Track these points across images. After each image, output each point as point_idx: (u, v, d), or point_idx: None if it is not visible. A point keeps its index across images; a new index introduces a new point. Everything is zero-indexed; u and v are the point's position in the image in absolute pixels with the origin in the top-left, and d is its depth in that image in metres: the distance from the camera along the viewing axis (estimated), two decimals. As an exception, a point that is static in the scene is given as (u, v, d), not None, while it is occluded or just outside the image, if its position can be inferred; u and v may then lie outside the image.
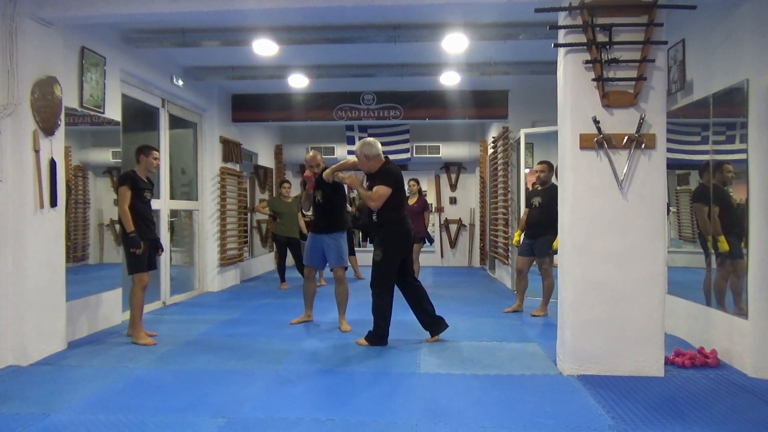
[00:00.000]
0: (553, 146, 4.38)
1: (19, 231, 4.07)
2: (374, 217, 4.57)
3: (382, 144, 4.56)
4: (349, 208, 9.19)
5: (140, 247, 4.59)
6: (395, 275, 4.59)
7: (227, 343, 4.72)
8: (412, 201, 7.71)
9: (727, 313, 4.09)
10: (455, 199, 11.29)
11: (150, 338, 4.70)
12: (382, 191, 4.44)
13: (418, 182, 7.94)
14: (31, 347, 4.11)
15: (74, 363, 4.11)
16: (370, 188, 4.57)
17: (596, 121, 3.74)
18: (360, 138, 10.10)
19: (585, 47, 3.75)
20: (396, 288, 4.67)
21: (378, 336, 4.57)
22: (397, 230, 4.52)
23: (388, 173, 4.54)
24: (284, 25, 5.39)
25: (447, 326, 4.73)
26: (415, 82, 7.68)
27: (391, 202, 4.50)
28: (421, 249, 8.02)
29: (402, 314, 6.03)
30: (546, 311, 5.81)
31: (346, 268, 5.30)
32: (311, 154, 5.34)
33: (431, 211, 10.64)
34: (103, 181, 5.70)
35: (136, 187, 4.67)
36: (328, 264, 5.37)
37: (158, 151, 4.96)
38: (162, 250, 5.15)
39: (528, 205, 6.04)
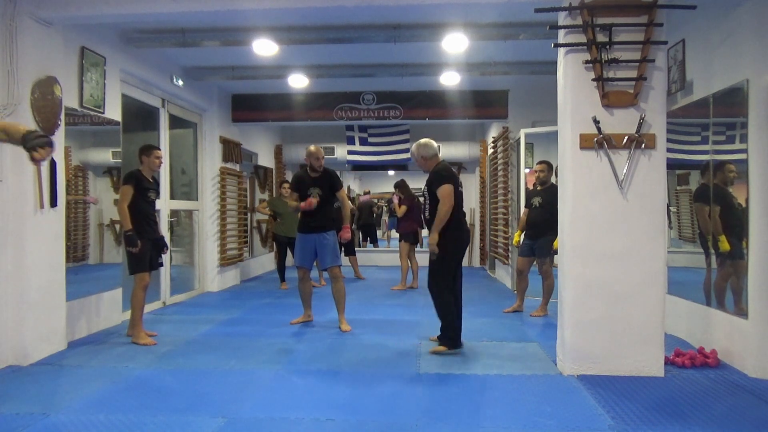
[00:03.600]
0: (553, 146, 4.38)
1: (19, 231, 4.07)
2: (426, 213, 4.43)
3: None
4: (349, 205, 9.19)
5: (137, 246, 4.58)
6: (450, 277, 4.39)
7: (227, 343, 4.72)
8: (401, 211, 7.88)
9: (727, 313, 4.09)
10: (455, 199, 11.27)
11: (150, 338, 4.70)
12: (445, 191, 4.25)
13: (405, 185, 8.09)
14: (31, 347, 4.11)
15: (74, 363, 4.11)
16: (429, 192, 4.37)
17: (596, 121, 3.74)
18: (360, 138, 10.13)
19: (585, 47, 3.75)
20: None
21: (448, 338, 4.34)
22: (454, 227, 4.35)
23: (439, 171, 4.38)
24: (284, 25, 5.38)
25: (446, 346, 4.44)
26: (415, 82, 7.68)
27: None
28: (416, 248, 8.08)
29: (402, 314, 6.04)
30: (546, 311, 5.81)
31: (340, 266, 5.28)
32: (314, 148, 5.22)
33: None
34: (103, 181, 5.70)
35: (140, 186, 4.68)
36: (319, 264, 5.30)
37: (160, 149, 4.96)
38: (167, 248, 5.16)
39: (528, 205, 6.04)
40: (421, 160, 4.52)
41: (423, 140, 4.57)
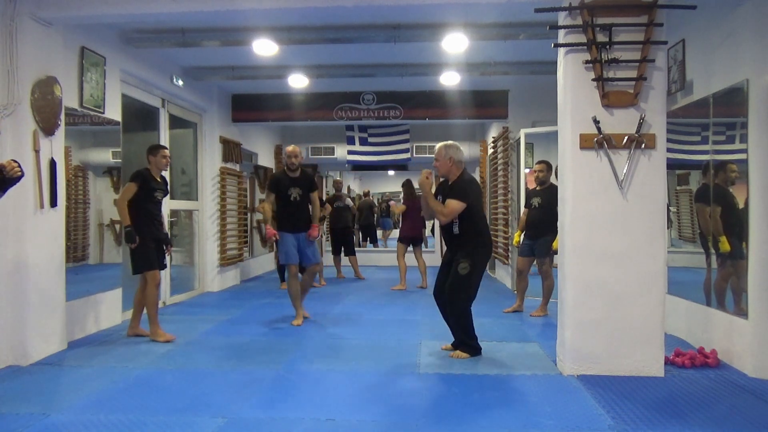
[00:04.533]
0: (553, 146, 4.38)
1: (19, 231, 4.07)
2: (455, 229, 4.21)
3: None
4: (350, 203, 9.22)
5: (135, 241, 4.58)
6: (477, 290, 4.35)
7: (227, 343, 4.72)
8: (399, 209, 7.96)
9: (727, 313, 4.09)
10: (455, 199, 11.27)
11: (170, 334, 4.75)
12: (456, 206, 4.11)
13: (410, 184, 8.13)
14: (31, 347, 4.11)
15: (74, 363, 4.11)
16: (440, 194, 4.28)
17: (596, 121, 3.74)
18: (360, 138, 10.13)
19: (585, 47, 3.75)
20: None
21: (473, 348, 4.30)
22: (485, 241, 4.32)
23: (466, 185, 4.22)
24: (284, 25, 5.38)
25: (469, 354, 4.32)
26: (415, 82, 7.67)
27: (477, 212, 4.24)
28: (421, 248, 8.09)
29: (402, 314, 6.04)
30: (546, 311, 5.81)
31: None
32: (291, 148, 5.48)
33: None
34: (103, 181, 5.70)
35: (147, 186, 4.67)
36: (303, 261, 5.49)
37: (167, 148, 4.95)
38: (171, 246, 5.19)
39: (527, 205, 6.04)
40: (448, 161, 4.23)
41: (451, 142, 4.36)
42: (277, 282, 8.31)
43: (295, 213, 5.42)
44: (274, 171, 10.77)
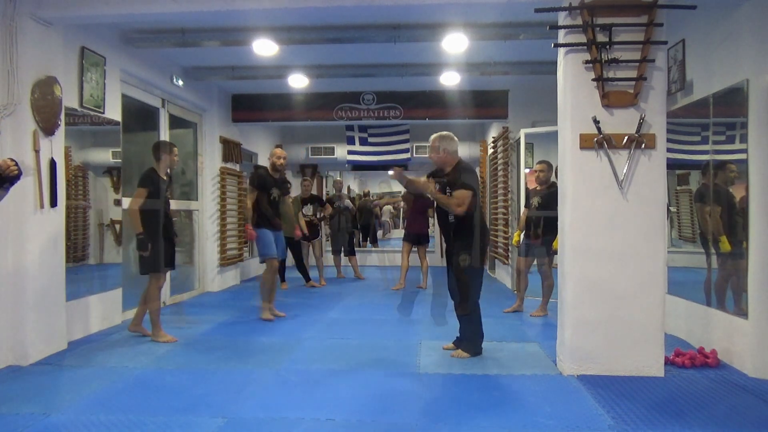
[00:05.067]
0: (553, 146, 4.38)
1: (19, 231, 4.07)
2: (450, 217, 4.20)
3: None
4: (350, 204, 9.22)
5: (148, 250, 4.58)
6: (481, 287, 4.35)
7: (227, 343, 4.72)
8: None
9: (727, 313, 4.09)
10: (455, 199, 11.26)
11: (171, 336, 4.75)
12: (465, 195, 4.08)
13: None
14: (31, 347, 4.11)
15: (74, 363, 4.11)
16: (441, 188, 4.24)
17: (596, 121, 3.74)
18: (360, 138, 10.12)
19: (585, 47, 3.75)
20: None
21: (478, 347, 4.30)
22: (483, 232, 4.30)
23: (468, 173, 4.21)
24: (284, 25, 5.38)
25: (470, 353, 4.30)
26: (415, 82, 7.68)
27: (474, 203, 4.21)
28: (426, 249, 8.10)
29: (401, 313, 6.04)
30: (546, 311, 5.81)
31: None
32: (280, 150, 5.83)
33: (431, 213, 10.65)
34: (103, 181, 5.70)
35: (157, 187, 4.67)
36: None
37: (176, 147, 4.95)
38: (177, 236, 5.22)
39: (528, 205, 6.04)
40: (443, 153, 4.26)
41: (445, 132, 4.34)
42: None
43: (275, 212, 5.72)
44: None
